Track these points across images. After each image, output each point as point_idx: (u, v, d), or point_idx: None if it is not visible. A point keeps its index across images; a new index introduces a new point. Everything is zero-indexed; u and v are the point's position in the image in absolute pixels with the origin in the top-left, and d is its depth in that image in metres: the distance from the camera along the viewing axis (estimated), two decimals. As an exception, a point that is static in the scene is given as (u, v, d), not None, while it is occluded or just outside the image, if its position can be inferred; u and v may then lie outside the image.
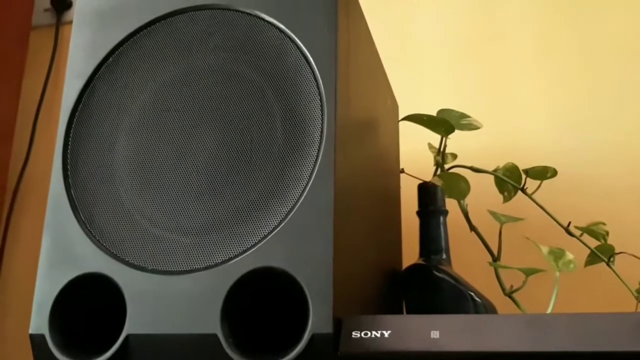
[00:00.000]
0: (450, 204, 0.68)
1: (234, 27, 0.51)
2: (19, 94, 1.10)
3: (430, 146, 0.73)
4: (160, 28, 0.53)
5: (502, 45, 0.95)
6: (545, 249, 0.58)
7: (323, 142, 0.46)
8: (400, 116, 0.72)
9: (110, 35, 0.54)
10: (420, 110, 0.65)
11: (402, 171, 0.76)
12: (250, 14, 0.51)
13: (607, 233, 0.68)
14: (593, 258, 0.67)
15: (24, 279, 1.01)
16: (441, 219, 0.68)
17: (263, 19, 0.51)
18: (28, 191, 1.07)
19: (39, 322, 0.48)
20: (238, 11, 0.52)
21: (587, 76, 0.91)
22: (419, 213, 0.68)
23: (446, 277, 0.63)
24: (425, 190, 0.69)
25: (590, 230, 0.68)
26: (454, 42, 0.97)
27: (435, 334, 0.42)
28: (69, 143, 0.53)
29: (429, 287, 0.64)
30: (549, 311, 0.56)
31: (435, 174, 0.69)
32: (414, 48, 0.98)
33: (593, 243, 0.67)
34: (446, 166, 0.70)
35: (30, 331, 0.48)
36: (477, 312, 0.60)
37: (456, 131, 0.65)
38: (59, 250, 0.49)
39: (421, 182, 0.69)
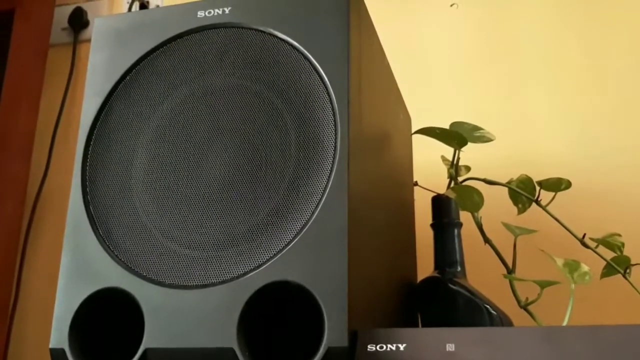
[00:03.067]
0: (464, 217, 0.68)
1: (248, 45, 0.52)
2: (37, 110, 1.12)
3: (444, 159, 0.73)
4: (175, 47, 0.54)
5: (514, 58, 0.95)
6: (560, 261, 0.58)
7: (337, 158, 0.47)
8: (413, 129, 0.73)
9: (127, 54, 0.55)
10: (433, 124, 0.66)
11: (416, 184, 0.76)
12: (264, 32, 0.52)
13: (623, 244, 0.68)
14: (609, 270, 0.67)
15: (43, 292, 1.02)
16: (455, 231, 0.68)
17: (277, 37, 0.51)
18: (46, 205, 1.08)
19: (58, 336, 0.48)
20: (252, 29, 0.52)
21: (600, 87, 0.91)
22: (433, 226, 0.68)
23: (461, 290, 0.63)
24: (439, 203, 0.69)
25: (606, 241, 0.67)
26: (466, 55, 0.97)
27: (450, 347, 0.42)
28: (88, 160, 0.54)
29: (444, 300, 0.64)
30: (564, 323, 0.56)
31: (448, 187, 0.69)
32: (427, 61, 0.99)
33: (609, 254, 0.67)
34: (460, 179, 0.70)
35: (51, 345, 0.49)
36: (492, 324, 0.60)
37: (469, 144, 0.66)
38: (78, 266, 0.50)
39: (435, 194, 0.70)
